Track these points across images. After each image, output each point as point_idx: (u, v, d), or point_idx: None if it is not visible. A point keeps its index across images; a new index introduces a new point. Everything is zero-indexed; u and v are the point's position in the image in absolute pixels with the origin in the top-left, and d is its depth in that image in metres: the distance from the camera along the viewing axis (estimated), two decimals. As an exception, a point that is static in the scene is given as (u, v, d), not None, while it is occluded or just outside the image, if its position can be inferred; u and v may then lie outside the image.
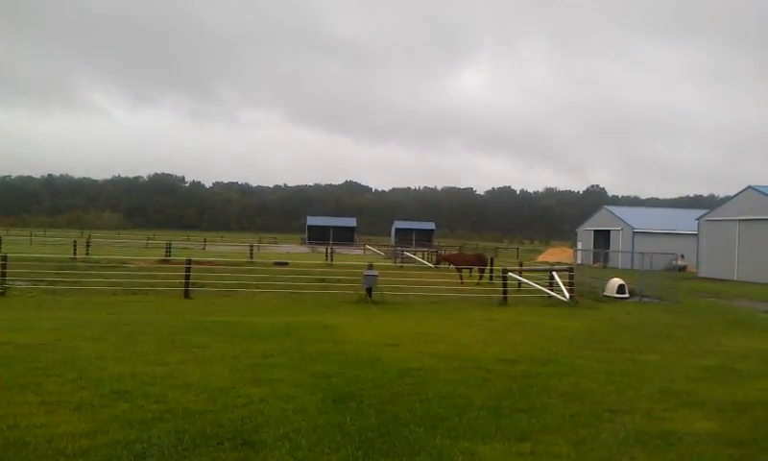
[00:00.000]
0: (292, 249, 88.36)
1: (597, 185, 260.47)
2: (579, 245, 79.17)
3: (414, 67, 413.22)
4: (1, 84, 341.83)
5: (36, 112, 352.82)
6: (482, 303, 26.64)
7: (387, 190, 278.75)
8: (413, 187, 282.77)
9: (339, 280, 31.00)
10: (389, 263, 54.86)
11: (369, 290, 25.84)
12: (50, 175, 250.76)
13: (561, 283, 29.37)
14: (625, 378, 12.07)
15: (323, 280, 31.29)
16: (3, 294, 24.48)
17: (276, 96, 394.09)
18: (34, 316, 18.44)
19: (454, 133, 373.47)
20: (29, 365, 11.48)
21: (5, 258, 26.41)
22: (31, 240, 77.84)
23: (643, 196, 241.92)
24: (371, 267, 27.53)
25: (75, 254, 49.35)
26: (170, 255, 51.53)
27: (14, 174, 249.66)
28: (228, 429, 8.14)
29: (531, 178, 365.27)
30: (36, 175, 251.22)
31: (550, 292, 29.32)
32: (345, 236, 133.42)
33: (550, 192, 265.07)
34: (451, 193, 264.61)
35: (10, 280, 26.14)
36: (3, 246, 53.93)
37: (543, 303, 27.17)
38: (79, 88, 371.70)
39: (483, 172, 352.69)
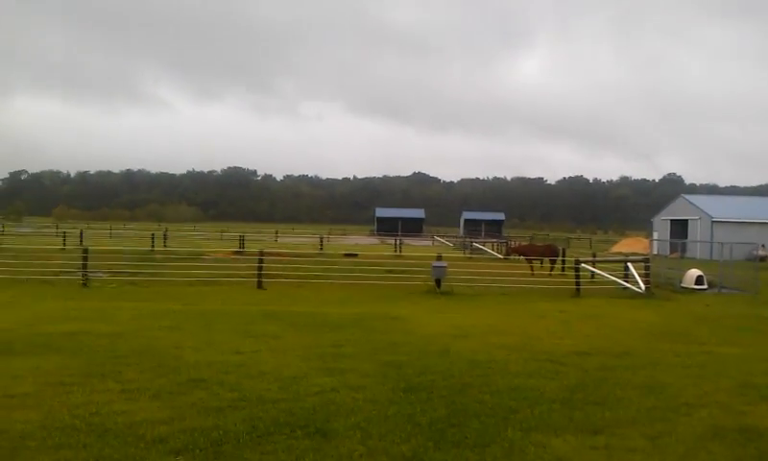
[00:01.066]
0: (361, 240, 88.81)
1: (674, 173, 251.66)
2: (655, 235, 77.13)
3: (471, 55, 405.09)
4: (71, 80, 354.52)
5: (104, 108, 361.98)
6: (553, 294, 26.18)
7: (455, 181, 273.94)
8: (481, 178, 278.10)
9: (408, 272, 30.77)
10: (458, 254, 54.22)
11: (437, 281, 25.73)
12: (128, 170, 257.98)
13: (636, 274, 28.62)
14: (703, 371, 11.77)
15: (391, 271, 31.19)
16: (85, 285, 25.38)
17: (336, 88, 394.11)
18: (114, 306, 19.07)
19: (518, 121, 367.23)
20: (109, 354, 11.90)
21: (86, 251, 27.36)
22: (110, 233, 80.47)
23: (722, 184, 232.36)
24: (439, 258, 27.37)
25: (153, 246, 50.81)
26: (243, 247, 52.40)
27: (93, 170, 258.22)
28: (301, 418, 8.28)
29: (602, 166, 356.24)
30: (115, 170, 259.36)
31: (625, 283, 28.63)
32: (413, 227, 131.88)
33: (624, 181, 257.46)
34: (521, 183, 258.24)
35: (91, 272, 27.07)
36: (84, 239, 55.96)
37: (618, 295, 26.57)
38: (145, 84, 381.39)
39: (552, 161, 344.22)
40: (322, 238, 63.87)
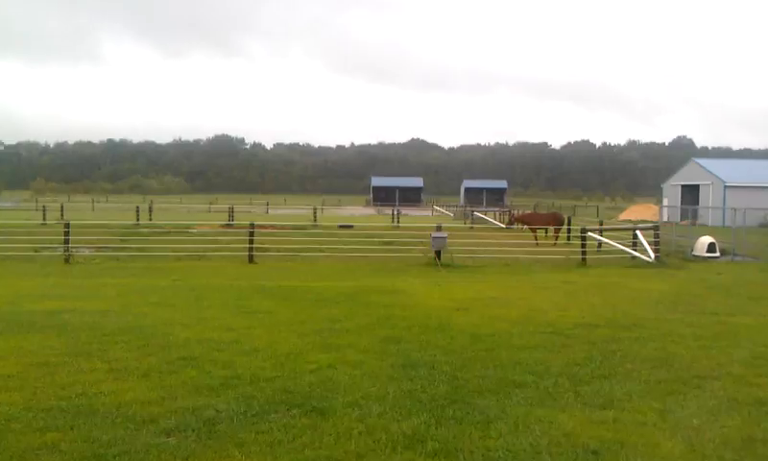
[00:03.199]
0: (357, 211, 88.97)
1: (684, 137, 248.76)
2: (665, 201, 77.14)
3: (449, 12, 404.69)
4: (41, 47, 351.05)
5: (66, 73, 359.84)
6: (559, 265, 26.36)
7: (455, 147, 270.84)
8: (483, 143, 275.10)
9: (406, 243, 31.07)
10: (458, 224, 54.46)
11: (437, 253, 25.84)
12: (109, 140, 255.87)
13: (645, 243, 28.70)
14: (715, 343, 11.85)
15: (389, 243, 31.42)
16: (67, 261, 25.40)
17: (326, 50, 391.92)
18: (98, 283, 19.12)
19: (519, 83, 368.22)
20: (96, 332, 11.94)
21: (68, 226, 27.34)
22: (93, 207, 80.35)
23: (735, 147, 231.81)
24: (439, 228, 27.40)
25: (138, 219, 50.79)
26: (233, 220, 52.47)
27: (72, 140, 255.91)
28: (297, 396, 8.34)
29: (609, 130, 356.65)
30: (95, 140, 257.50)
31: (634, 252, 28.73)
32: (411, 197, 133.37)
33: (632, 145, 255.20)
34: (524, 149, 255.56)
35: (74, 248, 27.08)
36: (65, 213, 55.87)
37: (626, 265, 26.65)
38: (119, 50, 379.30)
39: (556, 125, 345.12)
40: (315, 209, 63.62)
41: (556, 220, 39.86)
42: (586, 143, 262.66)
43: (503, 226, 49.86)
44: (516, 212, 56.39)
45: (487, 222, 57.62)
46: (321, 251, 28.85)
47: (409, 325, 12.87)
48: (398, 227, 48.25)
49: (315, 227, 45.77)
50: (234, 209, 61.59)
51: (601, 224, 37.99)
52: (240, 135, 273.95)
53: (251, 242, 26.83)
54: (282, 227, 42.75)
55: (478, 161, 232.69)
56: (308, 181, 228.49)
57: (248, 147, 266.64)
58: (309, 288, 17.59)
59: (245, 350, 10.74)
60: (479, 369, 9.77)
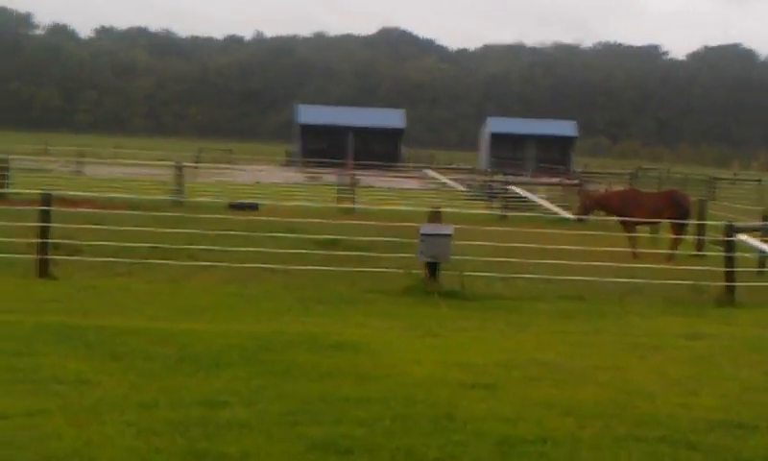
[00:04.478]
0: (266, 175, 51.95)
1: None
2: None
3: None
4: None
5: None
6: (680, 299, 16.66)
7: (471, 50, 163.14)
8: (528, 44, 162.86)
9: (367, 247, 19.47)
10: (477, 210, 34.39)
11: (432, 267, 15.67)
12: None
13: None
14: None
15: (333, 244, 20.31)
16: None
17: None
18: None
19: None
20: None
21: None
22: None
23: None
24: (436, 218, 16.94)
25: None
26: (7, 184, 32.27)
27: None
28: None
29: None
30: None
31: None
32: (382, 150, 76.34)
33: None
34: (613, 59, 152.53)
35: None
36: None
37: None
38: None
39: (679, 16, 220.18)
40: (181, 169, 35.50)
41: (675, 207, 24.13)
42: (734, 50, 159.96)
43: (570, 216, 30.24)
44: (594, 190, 35.94)
45: (535, 206, 35.04)
46: (191, 256, 18.06)
47: (369, 417, 7.05)
48: (353, 212, 30.28)
49: (178, 206, 29.10)
50: (9, 162, 34.80)
51: (766, 218, 22.41)
52: (25, 10, 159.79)
53: (43, 234, 15.95)
54: (111, 205, 25.73)
55: (517, 81, 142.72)
56: (166, 108, 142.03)
57: (39, 33, 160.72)
58: (165, 334, 10.45)
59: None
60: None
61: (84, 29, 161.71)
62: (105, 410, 6.95)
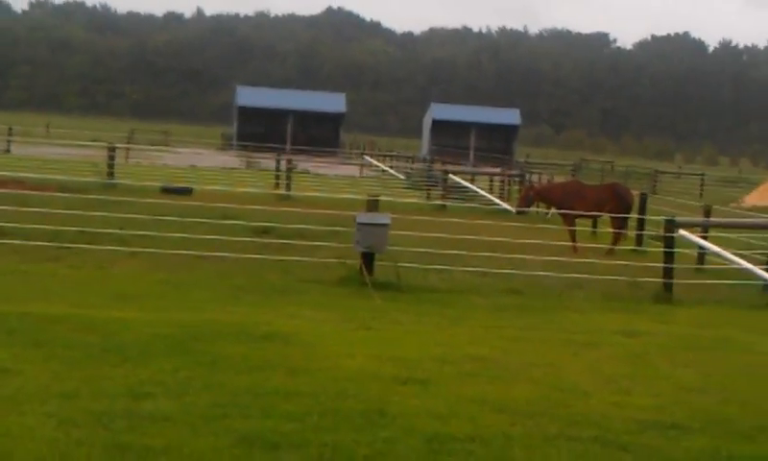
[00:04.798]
0: (203, 159, 49.13)
1: None
2: None
3: None
4: None
5: None
6: (618, 294, 16.24)
7: (417, 34, 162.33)
8: (474, 29, 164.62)
9: (303, 234, 18.78)
10: (415, 199, 33.34)
11: (368, 257, 15.18)
12: None
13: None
14: None
15: (266, 233, 19.76)
16: None
17: None
18: None
19: None
20: None
21: None
22: None
23: None
24: (374, 206, 16.37)
25: None
26: None
27: None
28: None
29: (733, 16, 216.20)
30: None
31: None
32: (321, 134, 75.52)
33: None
34: (559, 45, 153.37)
35: None
36: None
37: (755, 303, 16.84)
38: None
39: (624, 4, 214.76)
40: (113, 150, 34.34)
41: (617, 200, 23.42)
42: (683, 40, 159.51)
43: (511, 208, 28.85)
44: (536, 181, 36.11)
45: (476, 196, 33.77)
46: (121, 241, 17.14)
47: (298, 411, 6.82)
48: (290, 197, 29.85)
49: (110, 189, 27.58)
50: None
51: (708, 214, 22.07)
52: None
53: None
54: (40, 186, 24.71)
55: (463, 66, 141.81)
56: (99, 86, 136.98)
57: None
58: (90, 322, 10.02)
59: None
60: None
61: (19, 2, 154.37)
62: (25, 400, 6.72)
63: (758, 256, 18.81)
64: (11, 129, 49.99)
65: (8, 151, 44.76)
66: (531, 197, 25.08)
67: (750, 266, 17.35)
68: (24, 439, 5.79)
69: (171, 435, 6.06)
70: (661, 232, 17.31)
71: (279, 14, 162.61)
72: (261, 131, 69.95)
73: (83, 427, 6.09)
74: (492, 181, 38.95)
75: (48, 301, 11.53)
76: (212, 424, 6.44)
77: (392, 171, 47.31)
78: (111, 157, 33.01)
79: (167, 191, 27.36)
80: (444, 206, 31.31)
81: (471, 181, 36.62)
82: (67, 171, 31.33)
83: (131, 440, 5.91)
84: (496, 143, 76.58)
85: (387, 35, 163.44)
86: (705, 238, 19.08)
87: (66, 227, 17.35)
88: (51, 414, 6.37)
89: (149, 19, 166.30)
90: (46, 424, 6.13)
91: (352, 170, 48.77)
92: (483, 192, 34.46)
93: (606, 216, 23.26)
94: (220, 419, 6.56)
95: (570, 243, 21.49)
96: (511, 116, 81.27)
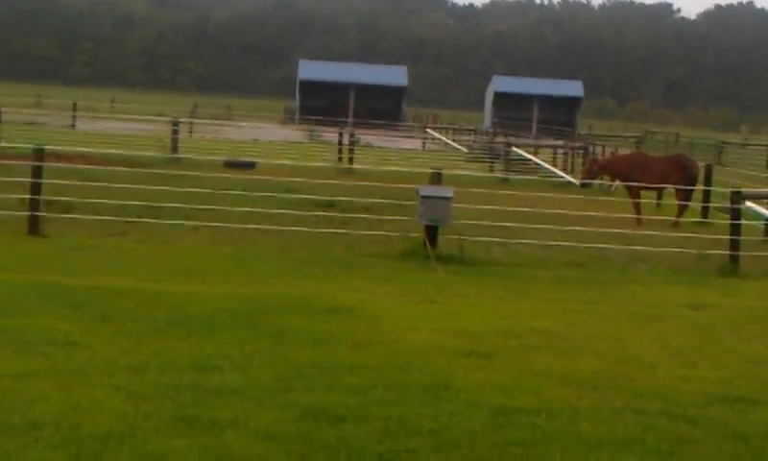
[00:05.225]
0: (265, 133, 49.29)
1: None
2: None
3: None
4: None
5: None
6: (684, 267, 15.73)
7: (476, 6, 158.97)
8: (534, 0, 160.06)
9: (365, 208, 18.54)
10: (478, 172, 31.89)
11: (431, 231, 14.85)
12: None
13: None
14: None
15: (330, 206, 19.42)
16: None
17: None
18: None
19: None
20: None
21: None
22: None
23: None
24: (437, 179, 15.95)
25: None
26: None
27: None
28: None
29: None
30: None
31: None
32: (383, 108, 72.43)
33: None
34: (618, 15, 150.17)
35: None
36: None
37: None
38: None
39: None
40: (176, 125, 34.09)
41: (681, 172, 22.60)
42: (747, 9, 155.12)
43: (575, 181, 28.08)
44: (599, 154, 34.08)
45: (539, 169, 33.20)
46: (185, 216, 16.90)
47: (363, 384, 6.85)
48: (352, 171, 29.42)
49: (174, 163, 27.11)
50: (0, 116, 35.19)
51: None
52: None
53: (35, 191, 15.25)
54: (105, 161, 24.13)
55: (524, 38, 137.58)
56: (164, 62, 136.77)
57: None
58: (156, 296, 10.07)
59: (9, 424, 5.53)
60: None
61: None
62: (93, 373, 6.75)
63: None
64: (75, 104, 50.02)
65: (73, 126, 45.12)
66: (595, 169, 24.66)
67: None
68: (93, 411, 5.81)
69: (237, 408, 6.04)
70: (728, 204, 16.79)
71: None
72: (323, 104, 69.92)
73: (150, 400, 6.10)
74: (555, 153, 38.39)
75: (115, 275, 11.51)
76: (277, 397, 6.40)
77: (454, 144, 46.78)
78: (175, 132, 33.18)
79: (230, 165, 27.36)
80: (507, 179, 30.82)
81: (535, 154, 35.99)
82: (132, 146, 31.26)
83: (197, 413, 5.89)
84: (559, 115, 74.83)
85: (448, 7, 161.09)
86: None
87: (132, 201, 17.36)
88: (119, 387, 6.39)
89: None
90: (114, 397, 6.14)
91: (415, 143, 48.80)
92: (546, 165, 33.78)
93: (671, 188, 22.71)
94: (285, 392, 6.53)
95: (635, 215, 21.03)
96: (573, 88, 79.74)
